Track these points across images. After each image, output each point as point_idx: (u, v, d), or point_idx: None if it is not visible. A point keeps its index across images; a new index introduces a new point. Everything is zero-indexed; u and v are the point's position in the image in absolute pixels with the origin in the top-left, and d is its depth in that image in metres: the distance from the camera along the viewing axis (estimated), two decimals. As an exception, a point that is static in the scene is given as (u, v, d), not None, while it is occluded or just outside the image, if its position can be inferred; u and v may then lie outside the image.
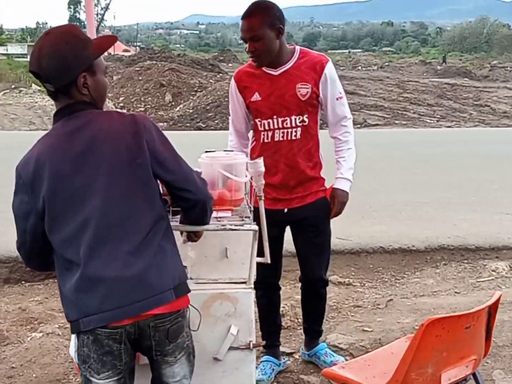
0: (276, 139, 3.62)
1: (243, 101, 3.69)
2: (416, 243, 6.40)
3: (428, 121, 23.54)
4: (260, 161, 3.32)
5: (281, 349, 4.16)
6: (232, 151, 3.50)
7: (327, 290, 4.02)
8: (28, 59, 2.31)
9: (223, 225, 3.07)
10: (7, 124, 22.42)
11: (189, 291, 2.50)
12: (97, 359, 2.34)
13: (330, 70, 3.61)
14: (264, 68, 3.60)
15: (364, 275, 5.92)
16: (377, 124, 21.90)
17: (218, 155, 3.28)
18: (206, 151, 3.30)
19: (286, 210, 3.70)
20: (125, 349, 2.36)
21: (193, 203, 2.54)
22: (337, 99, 3.64)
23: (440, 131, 19.58)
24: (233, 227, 3.07)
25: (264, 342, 3.83)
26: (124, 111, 24.95)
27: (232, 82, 3.74)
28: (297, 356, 4.22)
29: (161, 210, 2.45)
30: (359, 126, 21.57)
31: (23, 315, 4.86)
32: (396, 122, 22.90)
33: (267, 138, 3.64)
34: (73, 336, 2.46)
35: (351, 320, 4.83)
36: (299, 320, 4.58)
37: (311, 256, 3.83)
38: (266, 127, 3.63)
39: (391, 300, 5.19)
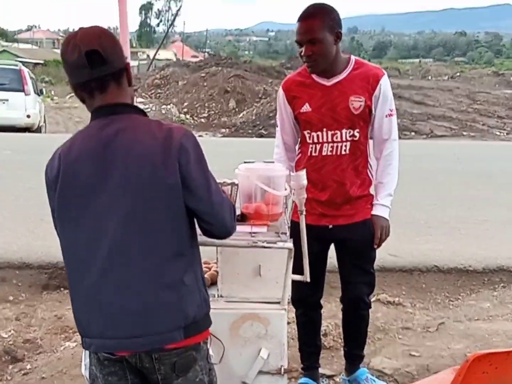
0: (324, 153, 3.43)
1: (292, 111, 3.51)
2: (473, 263, 6.09)
3: (498, 133, 22.95)
4: (303, 173, 3.16)
5: (322, 371, 3.99)
6: (273, 162, 3.35)
7: (370, 313, 3.80)
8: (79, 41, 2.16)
9: (254, 242, 2.94)
10: (72, 127, 22.93)
11: (205, 329, 2.28)
12: (103, 379, 2.23)
13: (385, 84, 3.41)
14: (315, 77, 3.41)
15: (416, 295, 5.65)
16: (444, 135, 21.47)
17: (256, 166, 3.14)
18: (245, 162, 3.16)
19: (331, 226, 3.51)
20: (130, 372, 2.22)
21: (215, 235, 2.35)
22: (386, 116, 3.44)
23: (508, 145, 18.99)
24: (266, 244, 2.94)
25: (298, 369, 3.67)
26: (167, 121, 25.17)
27: (280, 91, 3.57)
28: (338, 379, 4.04)
29: (186, 238, 2.21)
30: (425, 136, 21.19)
31: (58, 323, 4.82)
32: (464, 133, 22.41)
33: (315, 152, 3.45)
34: (85, 353, 2.34)
35: (399, 343, 4.60)
36: (343, 340, 4.38)
37: (353, 277, 3.63)
38: (315, 140, 3.44)
39: (442, 323, 4.93)
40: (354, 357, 3.89)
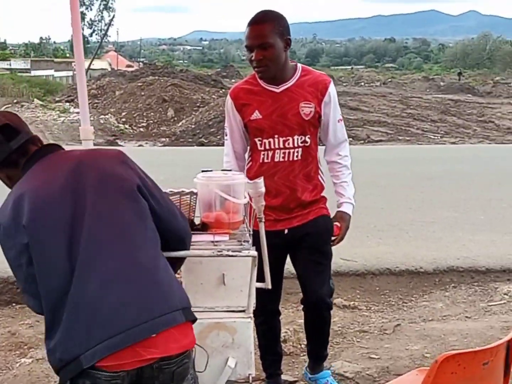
0: (276, 159, 3.42)
1: (241, 119, 3.47)
2: (424, 265, 6.19)
3: (432, 137, 23.47)
4: (261, 181, 3.15)
5: (283, 377, 3.95)
6: (230, 170, 3.32)
7: (331, 314, 3.77)
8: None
9: (219, 251, 2.90)
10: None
11: (195, 318, 2.32)
12: None
13: (333, 90, 3.46)
14: (264, 85, 3.40)
15: (370, 298, 5.70)
16: (380, 140, 21.82)
17: (215, 175, 3.11)
18: (203, 171, 3.13)
19: (286, 231, 3.49)
20: None
21: (172, 235, 2.46)
22: (338, 121, 3.51)
23: (444, 148, 19.47)
24: (231, 253, 2.91)
25: (263, 377, 3.64)
26: (126, 126, 24.92)
27: (229, 99, 3.52)
28: (300, 385, 4.00)
29: (153, 227, 2.33)
30: (362, 141, 21.50)
31: (12, 339, 4.68)
32: (400, 138, 22.83)
33: (267, 158, 3.44)
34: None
35: (357, 346, 4.62)
36: (302, 346, 4.39)
37: (311, 275, 3.58)
38: (267, 147, 3.43)
39: (398, 325, 4.98)
40: (318, 357, 3.87)
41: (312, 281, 3.59)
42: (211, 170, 3.14)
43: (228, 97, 3.55)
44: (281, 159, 3.42)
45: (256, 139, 3.45)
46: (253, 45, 3.26)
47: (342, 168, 3.57)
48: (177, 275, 3.29)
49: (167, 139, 22.51)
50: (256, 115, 3.40)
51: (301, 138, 3.40)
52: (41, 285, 2.17)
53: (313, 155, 3.48)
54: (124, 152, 2.40)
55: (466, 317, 5.13)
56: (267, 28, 3.23)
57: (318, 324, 3.74)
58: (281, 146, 3.40)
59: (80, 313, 2.10)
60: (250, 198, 3.16)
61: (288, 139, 3.39)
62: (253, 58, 3.28)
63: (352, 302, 5.51)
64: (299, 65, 3.47)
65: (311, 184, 3.49)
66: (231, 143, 3.57)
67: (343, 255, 6.15)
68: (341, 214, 3.57)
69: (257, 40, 3.24)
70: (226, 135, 3.59)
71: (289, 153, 3.41)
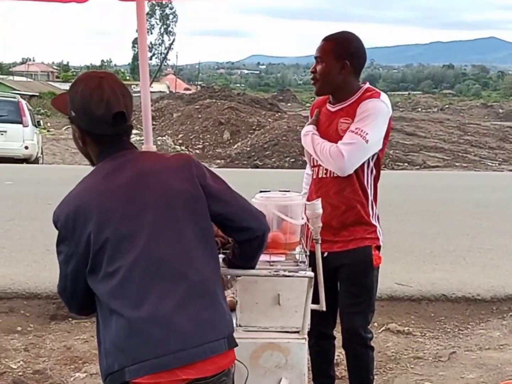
0: (320, 175, 3.47)
1: None
2: (481, 292, 6.05)
3: (490, 164, 23.10)
4: (318, 202, 3.16)
5: (335, 401, 3.89)
6: (289, 191, 3.34)
7: (369, 352, 3.62)
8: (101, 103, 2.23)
9: (276, 271, 2.92)
10: (68, 158, 22.93)
11: (236, 344, 2.31)
12: None
13: (369, 104, 3.33)
14: (327, 103, 3.50)
15: (425, 324, 5.59)
16: (437, 166, 21.58)
17: (273, 195, 3.14)
18: (261, 191, 3.16)
19: (326, 254, 3.41)
20: None
21: (254, 233, 2.41)
22: (350, 130, 3.32)
23: (502, 175, 19.09)
24: (287, 273, 2.92)
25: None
26: (183, 148, 25.22)
27: (310, 111, 3.72)
28: (351, 410, 3.96)
29: (215, 249, 2.35)
30: (418, 167, 21.28)
31: (67, 353, 4.74)
32: (457, 164, 22.53)
33: (315, 174, 3.52)
34: None
35: (411, 373, 4.55)
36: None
37: (346, 307, 3.54)
38: (315, 163, 3.50)
39: (454, 352, 4.89)
40: None
41: (346, 312, 3.55)
42: (269, 191, 3.18)
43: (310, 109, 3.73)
44: (324, 175, 3.45)
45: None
46: (315, 56, 3.43)
47: (331, 144, 3.36)
48: (231, 294, 3.34)
49: (222, 161, 22.68)
50: (315, 116, 3.55)
51: None
52: (94, 289, 2.22)
53: (359, 173, 3.40)
54: (191, 157, 2.39)
55: (524, 346, 5.00)
56: (327, 45, 3.38)
57: (353, 360, 3.64)
58: None
59: (133, 328, 2.12)
60: (307, 219, 3.18)
61: None
62: (311, 69, 3.45)
63: (407, 328, 5.42)
64: (366, 86, 3.45)
65: (357, 202, 3.44)
66: (307, 153, 3.66)
67: (398, 280, 6.09)
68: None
69: (316, 52, 3.43)
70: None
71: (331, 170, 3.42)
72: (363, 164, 3.42)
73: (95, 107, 2.23)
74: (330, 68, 3.35)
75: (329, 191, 3.43)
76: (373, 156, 3.43)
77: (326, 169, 3.43)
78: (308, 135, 3.48)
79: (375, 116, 3.32)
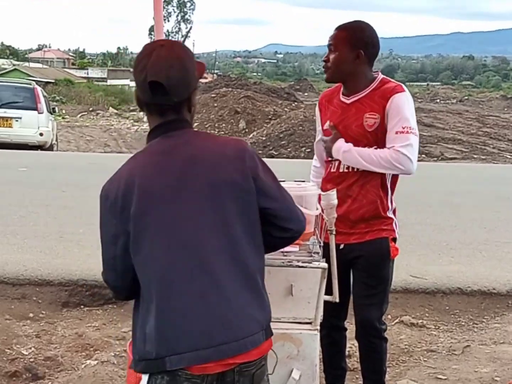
0: (341, 170, 3.43)
1: (321, 127, 3.59)
2: (497, 286, 5.98)
3: (509, 156, 22.88)
4: (333, 193, 3.15)
5: (346, 393, 3.87)
6: (304, 181, 3.32)
7: (384, 343, 3.63)
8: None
9: (289, 261, 2.91)
10: (83, 145, 23.07)
11: (272, 333, 2.33)
12: None
13: (399, 99, 3.30)
14: (340, 95, 3.45)
15: (439, 317, 5.56)
16: (454, 158, 21.42)
17: (288, 185, 3.09)
18: (276, 181, 3.12)
19: (342, 246, 3.41)
20: None
21: (293, 234, 2.39)
22: (397, 132, 3.27)
23: (521, 168, 18.91)
24: (301, 264, 2.90)
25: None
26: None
27: (317, 104, 3.66)
28: (363, 402, 3.94)
29: (261, 242, 2.30)
30: (435, 159, 21.15)
31: (79, 341, 4.75)
32: (475, 156, 22.35)
33: (333, 168, 3.47)
34: (143, 376, 2.21)
35: (424, 366, 4.53)
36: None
37: (362, 299, 3.54)
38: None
39: (468, 346, 4.84)
40: None
41: (361, 304, 3.55)
42: (284, 181, 3.14)
43: (318, 101, 3.67)
44: (345, 170, 3.41)
45: None
46: (328, 44, 3.40)
47: (381, 151, 3.31)
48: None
49: (238, 150, 22.64)
50: (327, 125, 3.46)
51: None
52: (139, 273, 2.18)
53: None
54: (246, 145, 2.33)
55: (539, 341, 4.95)
56: (341, 34, 3.35)
57: (367, 352, 3.65)
58: None
59: (175, 317, 2.12)
60: (322, 210, 3.15)
61: None
62: (324, 58, 3.43)
63: (421, 321, 5.39)
64: (380, 76, 3.43)
65: (378, 197, 3.42)
66: (317, 147, 3.70)
67: (413, 272, 6.04)
68: (336, 137, 3.41)
69: (329, 41, 3.39)
70: (316, 138, 3.71)
71: None
72: None
73: (138, 74, 2.21)
74: (344, 56, 3.33)
75: (351, 185, 3.41)
76: None
77: None
78: (351, 151, 3.36)
79: (410, 109, 3.34)
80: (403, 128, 3.27)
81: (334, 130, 3.42)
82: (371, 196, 3.41)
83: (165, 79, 2.16)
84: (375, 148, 3.34)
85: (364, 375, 3.73)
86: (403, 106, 3.31)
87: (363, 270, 3.49)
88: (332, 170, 3.47)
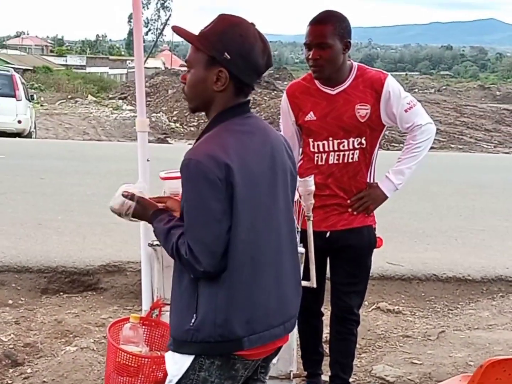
0: (330, 161, 3.40)
1: (295, 120, 3.49)
2: (472, 273, 6.07)
3: (485, 146, 23.12)
4: (311, 179, 3.18)
5: (324, 378, 3.92)
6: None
7: (357, 332, 3.74)
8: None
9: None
10: (61, 133, 22.87)
11: None
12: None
13: (391, 84, 3.39)
14: (320, 86, 3.39)
15: (415, 303, 5.65)
16: (432, 148, 21.35)
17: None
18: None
19: (328, 234, 3.46)
20: (246, 376, 2.28)
21: None
22: (405, 110, 3.40)
23: (498, 157, 19.12)
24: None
25: (305, 373, 3.63)
26: (177, 125, 25.11)
27: (284, 96, 3.54)
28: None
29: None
30: (413, 148, 21.26)
31: (58, 327, 4.75)
32: (452, 146, 22.53)
33: (321, 161, 3.42)
34: (182, 358, 2.21)
35: (400, 351, 4.59)
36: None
37: (344, 286, 3.59)
38: (321, 149, 3.41)
39: (443, 331, 4.92)
40: (338, 381, 3.75)
41: (343, 291, 3.59)
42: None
43: (285, 94, 3.56)
44: (335, 161, 3.40)
45: (310, 140, 3.44)
46: (312, 43, 3.28)
47: (407, 146, 3.51)
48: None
49: (218, 138, 22.57)
50: (311, 116, 3.40)
51: (357, 140, 3.37)
52: (236, 253, 2.16)
53: (369, 157, 3.45)
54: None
55: (513, 327, 5.03)
56: (328, 29, 3.25)
57: (344, 337, 3.69)
58: (336, 148, 3.39)
59: (254, 298, 2.19)
60: (300, 196, 3.18)
61: (343, 142, 3.37)
62: (310, 56, 3.30)
63: (397, 307, 5.46)
64: (355, 64, 3.44)
65: (364, 186, 3.47)
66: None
67: (389, 259, 6.10)
68: (374, 189, 3.49)
69: (316, 39, 3.26)
70: (280, 131, 3.55)
71: (343, 155, 3.39)
72: (374, 144, 3.45)
73: (258, 57, 2.20)
74: (337, 50, 3.28)
75: (343, 177, 3.42)
76: (383, 135, 3.49)
77: (338, 155, 3.39)
78: (400, 179, 3.50)
79: (400, 86, 3.47)
80: (408, 104, 3.40)
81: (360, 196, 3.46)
82: (361, 186, 3.46)
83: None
84: (364, 139, 3.38)
85: (336, 360, 3.76)
86: (397, 86, 3.42)
87: (351, 259, 3.53)
88: (320, 163, 3.43)
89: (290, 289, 2.32)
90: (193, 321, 2.15)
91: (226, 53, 2.17)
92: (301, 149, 3.57)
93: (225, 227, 2.11)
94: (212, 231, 2.11)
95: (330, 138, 3.37)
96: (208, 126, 2.26)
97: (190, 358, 2.18)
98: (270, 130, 2.34)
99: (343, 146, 3.37)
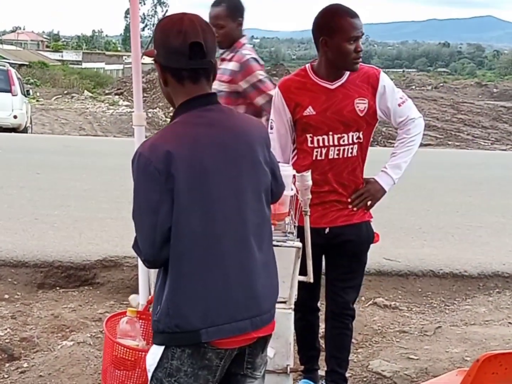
0: (330, 156, 3.40)
1: (291, 116, 3.44)
2: (468, 269, 6.07)
3: (482, 143, 23.14)
4: (308, 174, 3.17)
5: (320, 373, 3.92)
6: (279, 162, 3.32)
7: (353, 328, 3.75)
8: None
9: (263, 240, 2.90)
10: (58, 128, 22.84)
11: None
12: (190, 373, 2.20)
13: (385, 79, 3.43)
14: (317, 80, 3.39)
15: (412, 299, 5.66)
16: (429, 144, 21.56)
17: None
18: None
19: (327, 230, 3.46)
20: (223, 366, 2.25)
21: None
22: (398, 105, 3.44)
23: (495, 154, 19.13)
24: (275, 243, 2.91)
25: (302, 367, 3.64)
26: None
27: (278, 92, 3.48)
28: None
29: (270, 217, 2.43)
30: (410, 145, 21.28)
31: (55, 322, 4.75)
32: (449, 143, 22.56)
33: (321, 156, 3.41)
34: (157, 348, 2.26)
35: (396, 346, 4.59)
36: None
37: (341, 282, 3.60)
38: (320, 144, 3.39)
39: (439, 327, 4.92)
40: (335, 376, 3.74)
41: (340, 287, 3.60)
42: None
43: (277, 90, 3.49)
44: (336, 156, 3.40)
45: (308, 135, 3.41)
46: (359, 35, 3.31)
47: (400, 140, 3.52)
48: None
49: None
50: (310, 111, 3.38)
51: (356, 135, 3.39)
52: (180, 243, 2.18)
53: (365, 152, 3.47)
54: (265, 126, 2.46)
55: (509, 323, 5.04)
56: (359, 20, 3.31)
57: (341, 331, 3.69)
58: (336, 143, 3.38)
59: (217, 288, 2.19)
60: (297, 191, 3.18)
61: (343, 136, 3.37)
62: (359, 49, 3.30)
63: (393, 302, 5.48)
64: None
65: (361, 180, 3.49)
66: (277, 137, 3.50)
67: (386, 254, 6.11)
68: (373, 184, 3.51)
69: (360, 31, 3.31)
70: (272, 129, 3.51)
71: (343, 150, 3.39)
72: (368, 139, 3.47)
73: (173, 39, 2.22)
74: None
75: (342, 172, 3.42)
76: (377, 131, 3.47)
77: (338, 150, 3.38)
78: (397, 173, 3.53)
79: (392, 83, 3.50)
80: (401, 98, 3.46)
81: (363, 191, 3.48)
82: (358, 181, 3.48)
83: (203, 40, 2.21)
84: (362, 133, 3.39)
85: (332, 354, 3.76)
86: (390, 81, 3.47)
87: (349, 255, 3.53)
88: (320, 158, 3.41)
89: (262, 283, 2.28)
90: (156, 312, 2.23)
91: (154, 50, 2.30)
92: (294, 145, 3.54)
93: (163, 217, 2.15)
94: (149, 220, 2.17)
95: (330, 133, 3.37)
96: (170, 122, 2.34)
97: (161, 348, 2.23)
98: (237, 123, 2.34)
99: (343, 141, 3.38)
